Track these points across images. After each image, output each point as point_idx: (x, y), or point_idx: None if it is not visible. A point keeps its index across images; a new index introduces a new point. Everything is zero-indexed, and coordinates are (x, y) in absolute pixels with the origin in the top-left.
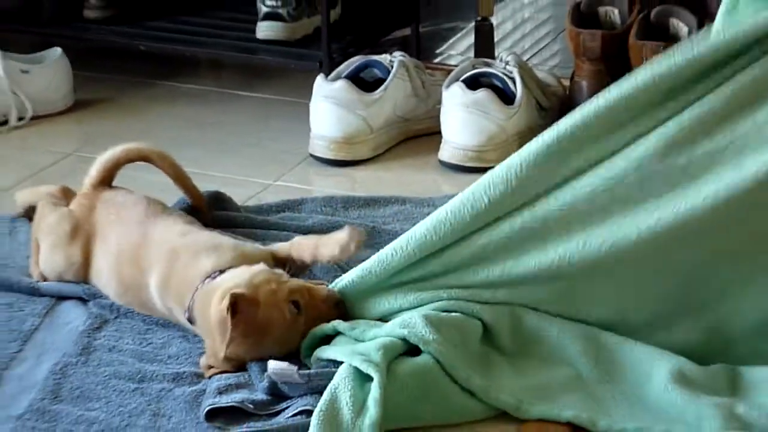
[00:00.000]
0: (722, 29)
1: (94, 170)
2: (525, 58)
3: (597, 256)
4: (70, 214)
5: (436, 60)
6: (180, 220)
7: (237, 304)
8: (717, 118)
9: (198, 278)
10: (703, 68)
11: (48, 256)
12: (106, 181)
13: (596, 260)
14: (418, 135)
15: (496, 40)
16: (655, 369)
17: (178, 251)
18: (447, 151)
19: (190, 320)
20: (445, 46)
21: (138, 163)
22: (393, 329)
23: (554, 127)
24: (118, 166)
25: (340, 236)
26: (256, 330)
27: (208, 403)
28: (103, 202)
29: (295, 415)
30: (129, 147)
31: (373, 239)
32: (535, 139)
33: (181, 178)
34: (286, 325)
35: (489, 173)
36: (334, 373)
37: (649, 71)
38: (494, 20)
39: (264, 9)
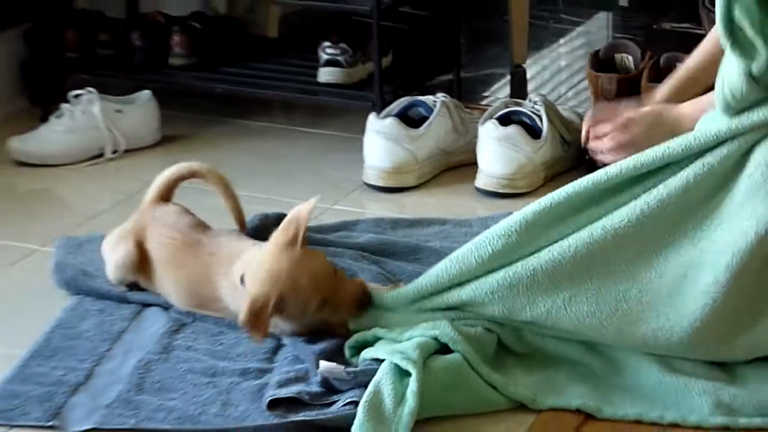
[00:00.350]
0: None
1: (152, 187)
2: (559, 101)
3: (579, 316)
4: (123, 228)
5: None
6: (241, 235)
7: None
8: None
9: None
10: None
11: (107, 264)
12: (163, 197)
13: (579, 320)
14: (458, 166)
15: (535, 86)
16: (646, 362)
17: (245, 255)
18: (482, 180)
19: (242, 280)
20: (486, 92)
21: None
22: (425, 331)
23: (550, 194)
24: (172, 183)
25: None
26: (301, 258)
27: (270, 394)
28: (155, 219)
29: (344, 405)
30: (182, 165)
31: (416, 255)
32: (535, 202)
33: (227, 194)
34: (326, 273)
35: (492, 228)
36: (376, 370)
37: (631, 161)
38: (533, 68)
39: (325, 56)
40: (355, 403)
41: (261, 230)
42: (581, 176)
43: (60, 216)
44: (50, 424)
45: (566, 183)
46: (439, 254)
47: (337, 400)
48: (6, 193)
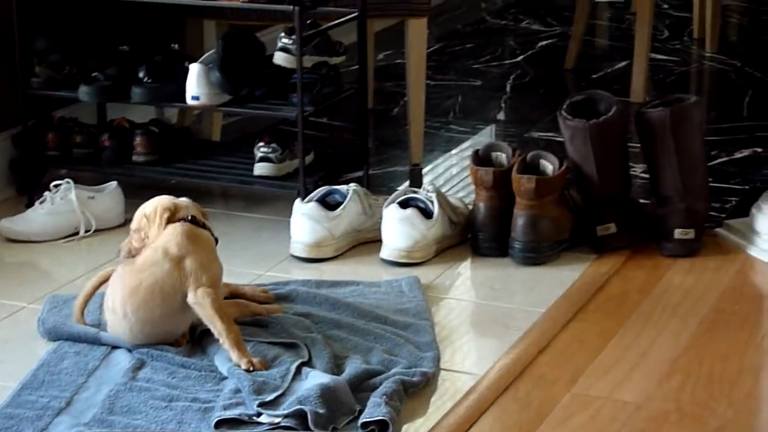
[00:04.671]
0: None
1: None
2: (449, 191)
3: None
4: None
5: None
6: None
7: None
8: None
9: None
10: None
11: None
12: None
13: None
14: (367, 241)
15: (432, 177)
16: None
17: None
18: (386, 252)
19: None
20: (390, 185)
21: None
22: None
23: None
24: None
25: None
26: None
27: (216, 415)
28: None
29: (270, 429)
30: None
31: (336, 309)
32: None
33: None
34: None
35: None
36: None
37: None
38: (429, 164)
39: (259, 154)
40: (281, 427)
41: None
42: (466, 251)
43: (42, 281)
44: None
45: (453, 256)
46: (354, 307)
47: (266, 423)
48: None
